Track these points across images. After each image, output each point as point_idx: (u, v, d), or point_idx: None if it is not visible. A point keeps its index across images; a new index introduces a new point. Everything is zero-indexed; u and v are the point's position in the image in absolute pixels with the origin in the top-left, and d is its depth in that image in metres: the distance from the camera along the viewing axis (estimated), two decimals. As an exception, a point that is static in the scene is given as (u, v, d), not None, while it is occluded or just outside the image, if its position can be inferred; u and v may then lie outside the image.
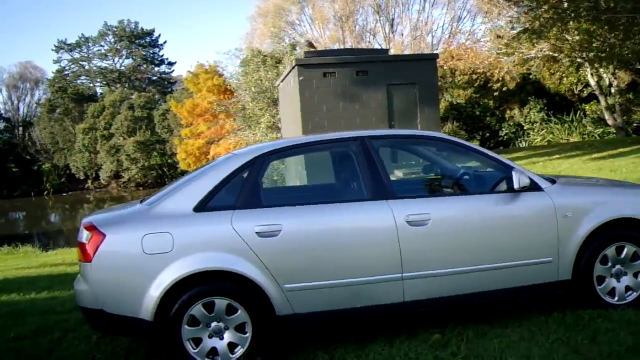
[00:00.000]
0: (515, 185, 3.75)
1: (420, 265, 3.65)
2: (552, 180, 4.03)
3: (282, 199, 4.00)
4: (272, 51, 25.70)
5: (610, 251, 3.90)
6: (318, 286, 3.56)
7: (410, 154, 4.58)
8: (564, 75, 23.59)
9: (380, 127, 14.74)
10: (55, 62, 54.62)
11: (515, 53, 19.78)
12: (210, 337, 3.49)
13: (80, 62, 55.30)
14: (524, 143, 24.51)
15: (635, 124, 21.39)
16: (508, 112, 26.82)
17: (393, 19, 35.29)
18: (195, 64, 37.55)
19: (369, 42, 35.94)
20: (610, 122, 20.60)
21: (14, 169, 46.60)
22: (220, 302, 3.48)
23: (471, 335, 3.64)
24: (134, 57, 54.15)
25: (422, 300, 3.68)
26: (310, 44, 17.76)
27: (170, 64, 55.64)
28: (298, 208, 3.72)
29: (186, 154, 36.09)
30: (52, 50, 54.14)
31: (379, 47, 28.25)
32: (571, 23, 15.80)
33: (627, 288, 3.94)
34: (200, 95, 35.80)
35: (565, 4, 14.78)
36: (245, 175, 3.72)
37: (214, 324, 3.49)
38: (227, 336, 3.51)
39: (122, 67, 54.78)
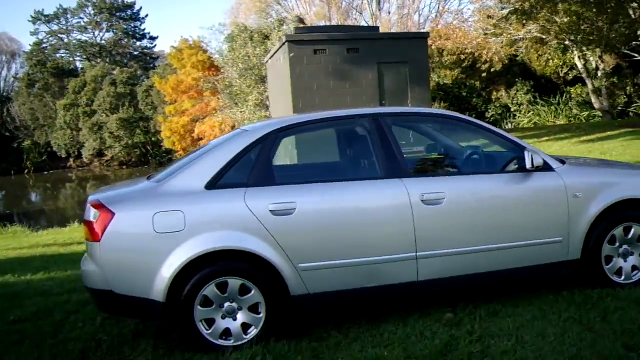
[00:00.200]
0: (528, 165, 3.76)
1: (434, 245, 3.65)
2: (562, 161, 4.04)
3: (295, 177, 3.94)
4: (259, 27, 25.33)
5: (618, 231, 3.94)
6: (332, 265, 3.54)
7: (415, 132, 4.53)
8: (550, 57, 23.70)
9: (371, 105, 14.71)
10: (33, 34, 53.26)
11: (504, 34, 19.77)
12: (223, 317, 3.46)
13: (59, 35, 53.92)
14: (510, 124, 24.69)
15: (619, 108, 21.63)
16: (494, 93, 26.94)
17: (380, -3, 34.93)
18: (179, 39, 36.88)
19: (355, 19, 35.59)
20: (596, 105, 20.81)
21: (-8, 146, 45.58)
22: (234, 282, 3.44)
23: (483, 314, 3.67)
24: (114, 30, 52.93)
25: (435, 279, 3.68)
26: (301, 20, 17.51)
27: (152, 38, 54.56)
28: (312, 186, 3.67)
29: (170, 132, 35.62)
30: (29, 21, 52.71)
31: (367, 25, 27.91)
32: (560, 5, 15.83)
33: (634, 267, 4.00)
34: (185, 72, 35.19)
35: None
36: (256, 152, 3.65)
37: (227, 304, 3.45)
38: (241, 317, 3.47)
39: (103, 41, 53.53)
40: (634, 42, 16.88)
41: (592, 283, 3.94)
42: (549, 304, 3.74)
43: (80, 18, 53.31)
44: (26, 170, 43.73)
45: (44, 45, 52.99)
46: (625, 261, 3.99)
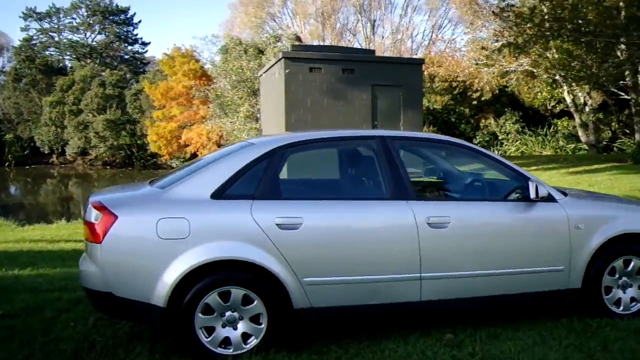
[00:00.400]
0: (532, 195, 3.80)
1: (438, 267, 3.66)
2: (564, 193, 4.11)
3: (301, 193, 3.95)
4: (251, 41, 25.46)
5: (618, 263, 4.00)
6: (337, 281, 3.53)
7: (420, 157, 4.58)
8: (539, 90, 24.21)
9: (364, 127, 14.81)
10: (23, 30, 52.76)
11: (496, 65, 20.16)
12: (223, 326, 3.42)
13: (50, 33, 53.54)
14: (497, 152, 25.05)
15: (604, 142, 22.11)
16: (483, 121, 27.36)
17: (374, 21, 35.54)
18: (172, 47, 36.95)
19: (349, 41, 36.07)
20: (583, 138, 21.24)
21: (-27, 138, 44.72)
22: (237, 292, 3.41)
23: (484, 336, 3.67)
24: (106, 33, 52.74)
25: (438, 300, 3.69)
26: (298, 38, 17.64)
27: (144, 44, 54.47)
28: (319, 202, 3.68)
29: (157, 137, 35.45)
30: (20, 17, 52.32)
31: (362, 47, 28.25)
32: (552, 42, 16.23)
33: (632, 299, 4.05)
34: (175, 79, 35.19)
35: (547, 25, 15.17)
36: (264, 165, 3.64)
37: (228, 313, 3.42)
38: (241, 326, 3.44)
39: (94, 43, 53.26)
40: (621, 82, 17.34)
41: (592, 312, 3.98)
42: (549, 330, 3.77)
43: (73, 18, 53.12)
44: (7, 164, 42.96)
45: (34, 41, 52.53)
46: (624, 292, 4.04)
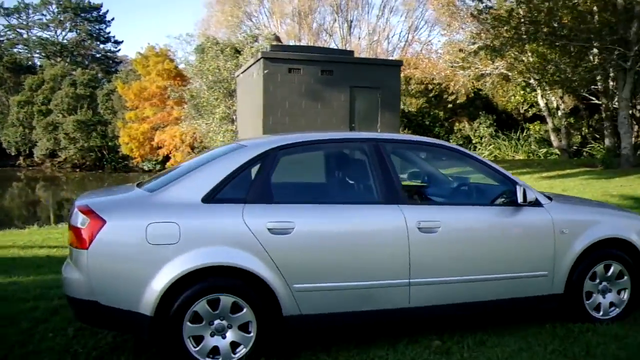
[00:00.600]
0: (520, 200, 3.85)
1: (427, 272, 3.67)
2: (549, 197, 4.17)
3: (293, 196, 3.92)
4: (227, 40, 25.28)
5: (599, 268, 4.08)
6: (327, 287, 3.51)
7: (409, 160, 4.59)
8: (513, 94, 24.62)
9: (341, 128, 14.83)
10: (-11, 26, 51.34)
11: (472, 68, 20.43)
12: (212, 335, 3.36)
13: (18, 30, 52.22)
14: (470, 156, 25.29)
15: (575, 147, 22.60)
16: (457, 124, 27.70)
17: (351, 21, 35.64)
18: (146, 46, 36.47)
19: (326, 41, 36.13)
20: (555, 143, 21.66)
21: None
22: (226, 300, 3.36)
23: (471, 343, 3.70)
24: (78, 30, 51.69)
25: (426, 306, 3.70)
26: (277, 38, 17.55)
27: (117, 42, 53.61)
28: (311, 207, 3.65)
29: (129, 138, 34.94)
30: (-14, 13, 50.82)
31: (341, 49, 28.30)
32: (528, 45, 16.52)
33: (611, 304, 4.14)
34: (149, 79, 34.75)
35: (523, 28, 15.45)
36: (256, 168, 3.61)
37: (217, 321, 3.36)
38: (230, 335, 3.39)
39: (65, 41, 52.18)
40: (592, 87, 17.76)
41: (573, 317, 4.05)
42: (534, 336, 3.82)
43: (43, 15, 51.97)
44: (-30, 166, 41.71)
45: (1, 38, 51.22)
46: (604, 298, 4.12)
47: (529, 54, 17.83)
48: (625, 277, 4.14)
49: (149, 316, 3.26)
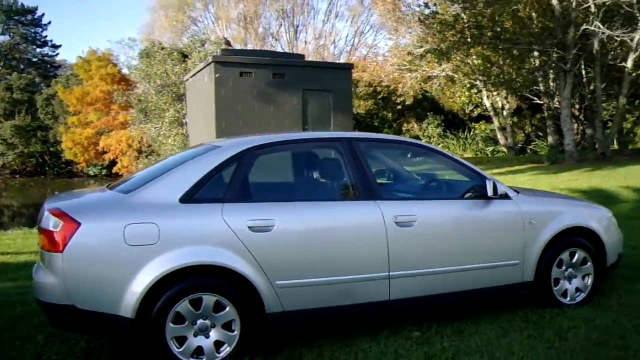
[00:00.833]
0: (490, 193, 3.99)
1: (405, 265, 3.74)
2: (517, 191, 4.34)
3: (271, 195, 3.92)
4: (173, 45, 24.84)
5: (565, 256, 4.27)
6: (309, 283, 3.52)
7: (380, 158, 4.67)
8: (459, 95, 25.40)
9: (294, 131, 14.84)
10: None
11: (419, 70, 20.93)
12: (195, 335, 3.31)
13: (-53, 34, 49.30)
14: (419, 156, 25.91)
15: (519, 145, 23.54)
16: (405, 125, 28.29)
17: (297, 26, 35.79)
18: (87, 50, 35.26)
19: (272, 45, 36.10)
20: (502, 141, 22.47)
21: None
22: (209, 299, 3.31)
23: (449, 332, 3.79)
24: (11, 34, 49.31)
25: (405, 299, 3.77)
26: (228, 42, 17.39)
27: (55, 46, 51.38)
28: (290, 204, 3.66)
29: (73, 143, 33.78)
30: None
31: (293, 52, 28.35)
32: (473, 49, 17.10)
33: (577, 289, 4.34)
34: (92, 83, 33.69)
35: (468, 32, 16.00)
36: (233, 168, 3.59)
37: (200, 321, 3.31)
38: (214, 334, 3.34)
39: (-3, 44, 49.64)
40: (534, 87, 18.57)
41: (542, 303, 4.22)
42: (508, 323, 3.95)
43: (-27, 17, 49.21)
44: None
45: None
46: (570, 283, 4.32)
47: (474, 57, 18.45)
48: (589, 263, 4.35)
49: (130, 318, 3.17)
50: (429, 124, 26.04)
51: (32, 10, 49.48)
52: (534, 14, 15.90)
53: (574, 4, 14.69)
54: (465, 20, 16.42)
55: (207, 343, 3.32)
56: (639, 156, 16.34)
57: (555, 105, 18.44)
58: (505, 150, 22.57)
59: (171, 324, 3.24)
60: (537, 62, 17.31)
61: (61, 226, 3.18)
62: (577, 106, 18.69)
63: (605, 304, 4.33)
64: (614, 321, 3.94)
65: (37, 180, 35.97)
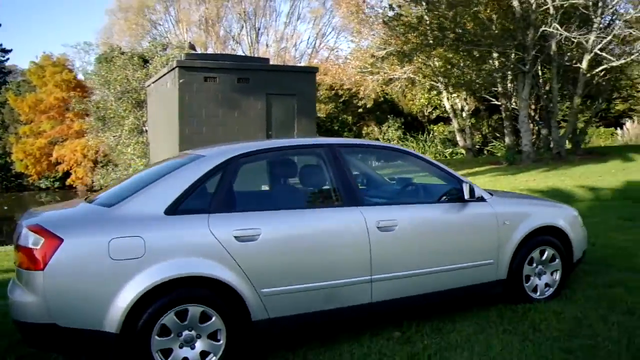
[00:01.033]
0: (466, 196, 4.14)
1: (387, 268, 3.83)
2: (491, 193, 4.51)
3: (256, 203, 3.94)
4: (132, 49, 24.43)
5: (535, 254, 4.47)
6: (294, 290, 3.56)
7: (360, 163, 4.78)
8: (418, 97, 25.85)
9: (259, 136, 14.83)
10: None
11: (380, 73, 21.22)
12: (181, 347, 3.31)
13: None
14: (380, 158, 26.22)
15: (477, 146, 24.14)
16: (365, 128, 28.60)
17: (259, 29, 35.71)
18: (41, 55, 34.23)
19: (233, 49, 35.93)
20: (461, 143, 23.00)
21: None
22: (194, 310, 3.32)
23: (428, 331, 3.91)
24: (-43, 40, 47.44)
25: (387, 300, 3.86)
26: (192, 46, 17.21)
27: (5, 51, 49.55)
28: (275, 212, 3.70)
29: (24, 155, 32.70)
30: None
31: (248, 55, 28.27)
32: (435, 51, 17.47)
33: (546, 285, 4.55)
34: (46, 90, 32.73)
35: (431, 34, 16.34)
36: (218, 177, 3.60)
37: (185, 332, 3.31)
38: (199, 345, 3.35)
39: (-58, 50, 47.57)
40: (493, 89, 19.11)
41: (514, 300, 4.39)
42: (484, 319, 4.10)
43: None
44: None
45: None
46: (539, 279, 4.52)
47: (436, 59, 18.85)
48: (557, 260, 4.56)
49: (114, 333, 3.15)
50: (389, 126, 26.41)
51: (-20, 15, 47.71)
52: (494, 15, 16.37)
53: (534, 6, 15.20)
54: (428, 22, 16.77)
55: (193, 354, 3.32)
56: (592, 155, 17.01)
57: (512, 106, 19.02)
58: (463, 151, 23.11)
59: (156, 337, 3.23)
60: (497, 63, 17.84)
61: (42, 243, 3.13)
62: (532, 106, 19.32)
63: (572, 297, 4.55)
64: (581, 312, 4.16)
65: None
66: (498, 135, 23.27)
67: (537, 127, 19.87)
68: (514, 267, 4.34)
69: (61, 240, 3.12)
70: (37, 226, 3.21)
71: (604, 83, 18.02)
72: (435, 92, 23.72)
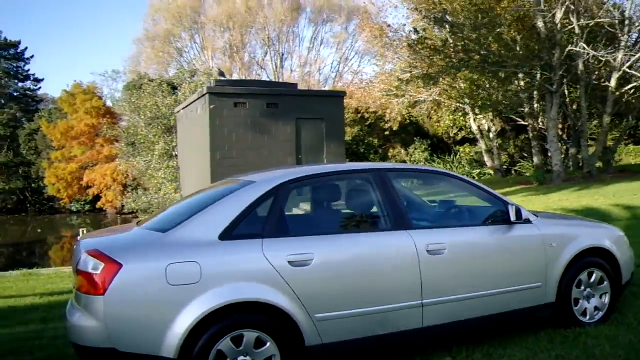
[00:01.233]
0: (512, 218, 4.14)
1: (437, 292, 3.84)
2: (535, 214, 4.49)
3: (307, 228, 4.00)
4: (159, 76, 24.99)
5: (583, 276, 4.41)
6: (347, 315, 3.58)
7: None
8: (440, 118, 25.82)
9: (288, 161, 14.97)
10: None
11: (406, 95, 21.31)
12: (236, 372, 3.34)
13: None
14: (407, 180, 26.17)
15: (504, 167, 23.96)
16: (391, 150, 28.62)
17: (282, 54, 36.25)
18: (72, 83, 35.25)
19: (258, 74, 36.50)
20: (488, 163, 22.86)
21: None
22: (250, 335, 3.35)
23: (479, 356, 3.88)
24: (-7, 70, 49.03)
25: (438, 325, 3.85)
26: (221, 73, 17.55)
27: (37, 80, 51.02)
28: (327, 237, 3.76)
29: (56, 179, 33.53)
30: None
31: (277, 81, 28.68)
32: (460, 73, 17.52)
33: (595, 308, 4.47)
34: (77, 117, 33.68)
35: (456, 56, 16.39)
36: (269, 203, 3.67)
37: (240, 358, 3.34)
38: (254, 370, 3.38)
39: (-21, 80, 49.22)
40: (519, 109, 19.03)
41: (564, 323, 4.33)
42: (534, 344, 4.05)
43: (-46, 53, 48.84)
44: None
45: None
46: (588, 302, 4.45)
47: (461, 81, 18.88)
48: (605, 282, 4.49)
49: (173, 359, 3.20)
50: (415, 148, 26.39)
51: (15, 44, 49.32)
52: (518, 36, 16.40)
53: (558, 25, 15.19)
54: (452, 45, 16.86)
55: (248, 379, 3.35)
56: (623, 174, 16.75)
57: (539, 126, 18.88)
58: (491, 172, 22.95)
59: (213, 363, 3.27)
60: (522, 83, 17.78)
61: (102, 268, 3.21)
62: (560, 125, 19.16)
63: (624, 321, 4.45)
64: (635, 337, 4.07)
65: (17, 218, 35.42)
66: (525, 155, 23.08)
67: (565, 146, 19.65)
68: (562, 289, 4.29)
69: (120, 265, 3.20)
70: (96, 251, 3.30)
71: (633, 101, 17.80)
72: (460, 113, 23.67)
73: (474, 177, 23.73)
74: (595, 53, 14.95)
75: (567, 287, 4.32)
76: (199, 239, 3.43)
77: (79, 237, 3.95)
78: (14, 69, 49.78)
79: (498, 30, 15.89)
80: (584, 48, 15.07)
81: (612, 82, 15.86)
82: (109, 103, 35.92)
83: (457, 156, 25.57)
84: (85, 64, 68.86)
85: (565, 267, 4.29)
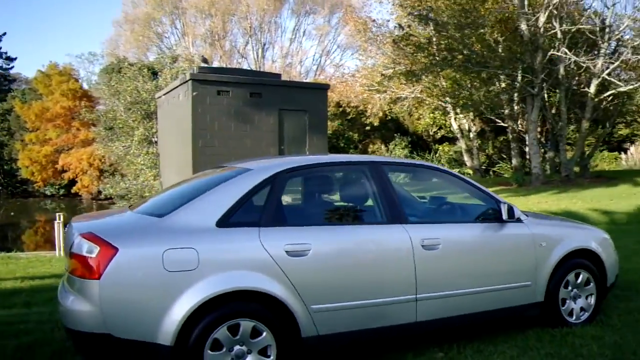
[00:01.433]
0: (504, 216, 4.19)
1: (431, 287, 3.86)
2: (526, 214, 4.56)
3: (304, 218, 3.97)
4: (138, 60, 24.59)
5: (571, 277, 4.49)
6: (342, 307, 3.58)
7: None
8: (421, 116, 26.01)
9: (271, 151, 14.89)
10: None
11: (387, 91, 21.38)
12: (231, 362, 3.31)
13: None
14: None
15: (483, 167, 24.26)
16: (371, 146, 28.74)
17: (264, 44, 36.00)
18: (48, 64, 34.39)
19: (239, 63, 36.19)
20: (468, 163, 23.13)
21: None
22: (246, 324, 3.33)
23: (471, 352, 3.92)
24: (-38, 47, 47.56)
25: (431, 320, 3.88)
26: (205, 60, 17.28)
27: (10, 59, 49.71)
28: (325, 228, 3.75)
29: (30, 162, 32.77)
30: None
31: (250, 69, 28.46)
32: (443, 71, 17.66)
33: (582, 309, 4.56)
34: (52, 99, 32.93)
35: (440, 54, 16.51)
36: (266, 191, 3.64)
37: (236, 347, 3.31)
38: (250, 360, 3.36)
39: (-53, 57, 47.68)
40: (499, 110, 19.28)
41: (551, 323, 4.41)
42: (523, 342, 4.11)
43: None
44: None
45: None
46: (575, 303, 4.54)
47: (443, 79, 19.04)
48: (592, 284, 4.59)
49: (169, 346, 3.15)
50: (396, 145, 26.55)
51: (-13, 23, 47.94)
52: (500, 38, 16.58)
53: (542, 29, 15.41)
54: (436, 43, 16.97)
55: (244, 369, 3.33)
56: (600, 179, 17.11)
57: (519, 128, 19.16)
58: (471, 172, 23.24)
59: (209, 351, 3.23)
60: (504, 85, 18.01)
61: (97, 251, 3.14)
62: (539, 129, 19.47)
63: (609, 323, 4.55)
64: (621, 338, 4.16)
65: (-12, 200, 34.57)
66: (504, 156, 23.41)
67: (543, 150, 19.99)
68: (551, 289, 4.36)
69: (116, 249, 3.14)
70: (91, 234, 3.22)
71: (611, 108, 18.19)
72: (440, 112, 23.87)
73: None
74: (576, 59, 15.22)
75: (555, 287, 4.39)
76: (196, 225, 3.38)
77: (72, 220, 3.84)
78: (-14, 46, 48.38)
79: (481, 30, 16.04)
80: (565, 53, 15.33)
81: (592, 89, 16.17)
82: (85, 86, 35.24)
83: (437, 155, 25.81)
84: (60, 45, 67.13)
85: (554, 267, 4.36)
